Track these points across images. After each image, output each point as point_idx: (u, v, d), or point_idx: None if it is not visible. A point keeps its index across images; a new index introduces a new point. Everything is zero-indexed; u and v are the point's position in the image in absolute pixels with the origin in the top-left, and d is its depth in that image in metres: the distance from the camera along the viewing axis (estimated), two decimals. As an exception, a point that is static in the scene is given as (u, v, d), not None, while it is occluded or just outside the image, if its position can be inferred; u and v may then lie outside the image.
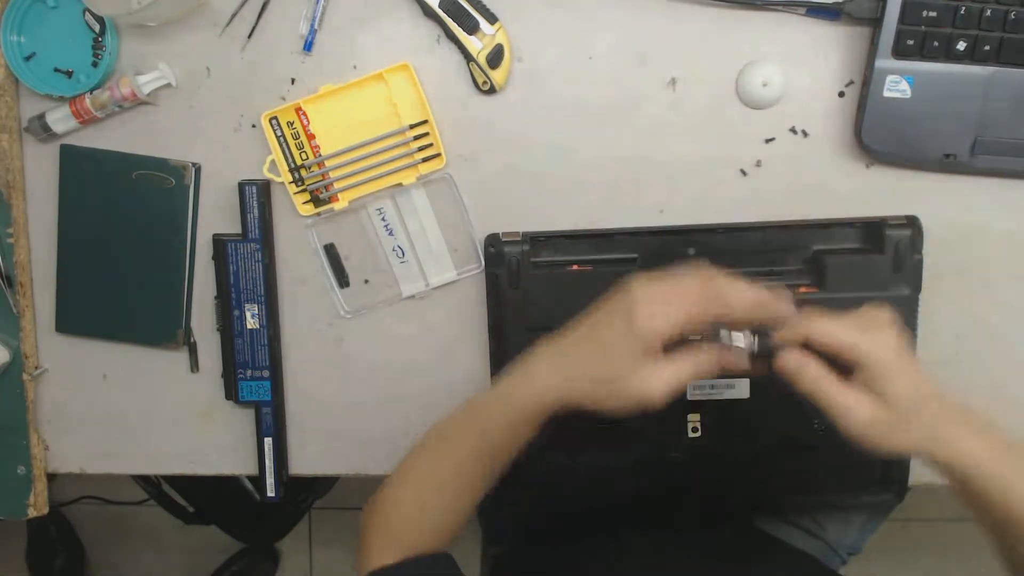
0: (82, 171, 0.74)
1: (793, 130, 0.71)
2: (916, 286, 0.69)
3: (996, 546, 0.56)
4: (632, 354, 0.53)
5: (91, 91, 0.72)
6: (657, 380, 0.53)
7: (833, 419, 0.52)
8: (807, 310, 0.54)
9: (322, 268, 0.75)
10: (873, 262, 0.69)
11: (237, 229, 0.73)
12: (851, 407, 0.52)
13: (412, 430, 0.76)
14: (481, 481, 0.62)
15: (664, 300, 0.53)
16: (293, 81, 0.72)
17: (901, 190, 0.70)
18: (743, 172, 0.71)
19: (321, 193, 0.73)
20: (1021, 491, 0.52)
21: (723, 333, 0.54)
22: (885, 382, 0.51)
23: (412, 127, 0.71)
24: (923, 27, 0.65)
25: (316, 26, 0.71)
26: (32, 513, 0.79)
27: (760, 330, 0.54)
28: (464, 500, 0.63)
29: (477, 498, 0.63)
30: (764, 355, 0.54)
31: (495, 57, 0.69)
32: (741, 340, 0.54)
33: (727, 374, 0.55)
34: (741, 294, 0.53)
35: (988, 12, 0.64)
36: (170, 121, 0.74)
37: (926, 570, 1.56)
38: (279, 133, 0.72)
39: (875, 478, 0.73)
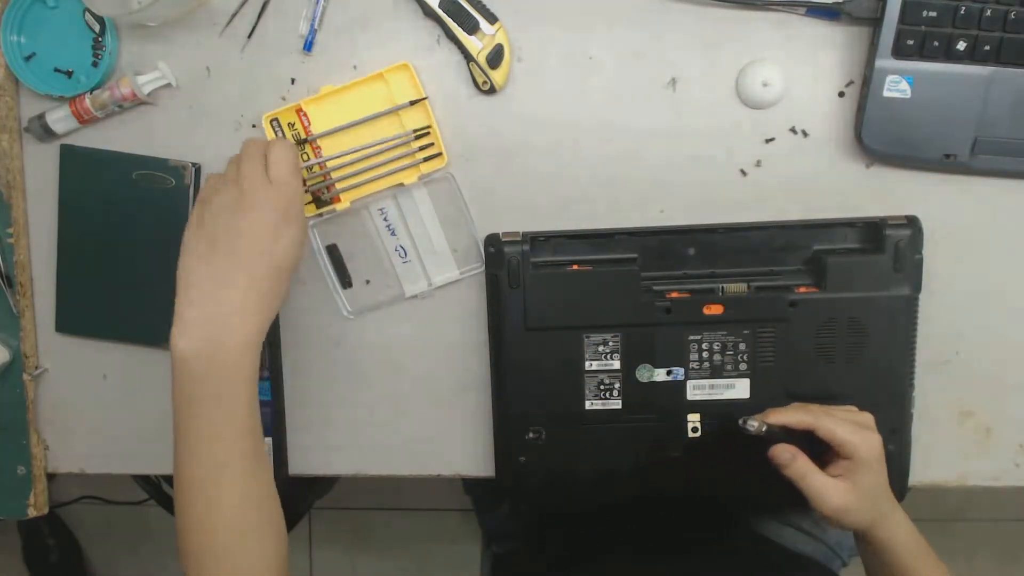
0: (82, 171, 0.74)
1: (793, 130, 0.71)
2: (916, 286, 0.69)
3: None
4: (288, 192, 0.57)
5: (91, 91, 0.72)
6: (284, 186, 0.58)
7: (808, 499, 0.62)
8: (808, 407, 0.64)
9: (323, 268, 0.75)
10: (873, 262, 0.69)
11: (237, 229, 0.73)
12: (829, 493, 0.62)
13: (412, 430, 0.76)
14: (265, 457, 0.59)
15: (234, 163, 0.57)
16: (293, 81, 0.72)
17: (901, 190, 0.70)
18: (743, 172, 0.71)
19: (323, 194, 0.73)
20: (917, 553, 0.66)
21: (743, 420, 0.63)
22: (862, 475, 0.62)
23: (416, 131, 0.71)
24: (923, 27, 0.65)
25: (316, 26, 0.71)
26: (32, 513, 0.79)
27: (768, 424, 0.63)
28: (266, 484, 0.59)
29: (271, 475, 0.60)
30: (769, 435, 0.63)
31: (495, 57, 0.69)
32: (754, 424, 0.62)
33: None
34: None
35: (988, 12, 0.64)
36: (170, 121, 0.74)
37: (926, 570, 1.56)
38: (280, 134, 0.72)
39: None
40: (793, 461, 0.62)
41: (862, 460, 0.62)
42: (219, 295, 0.55)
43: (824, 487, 0.62)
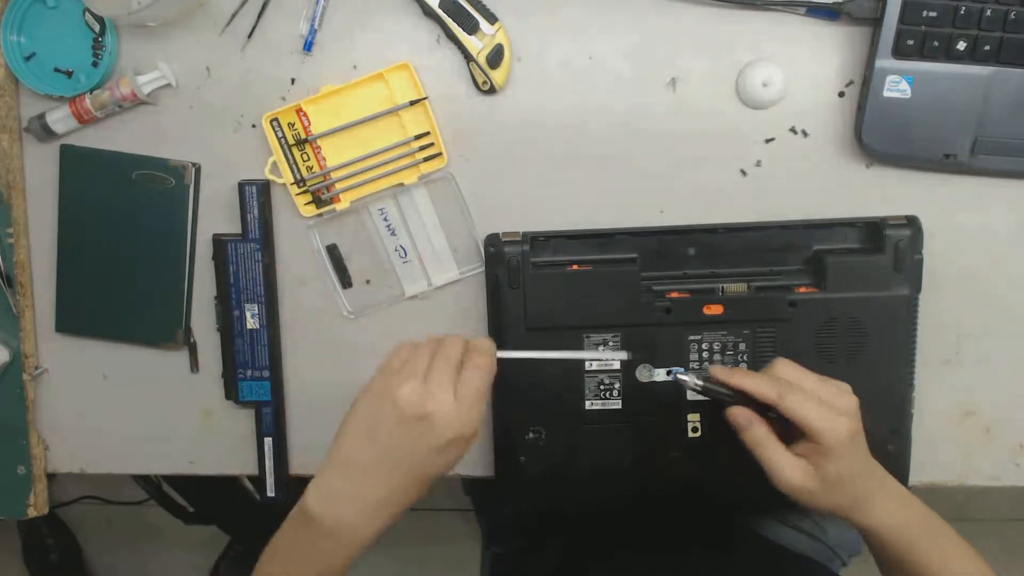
0: (82, 171, 0.74)
1: (793, 130, 0.71)
2: (916, 286, 0.69)
3: None
4: (439, 429, 0.55)
5: (91, 91, 0.72)
6: (471, 421, 0.56)
7: (765, 472, 0.58)
8: (782, 367, 0.59)
9: (323, 268, 0.75)
10: (873, 262, 0.69)
11: (237, 229, 0.73)
12: (784, 469, 0.57)
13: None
14: None
15: (419, 377, 0.55)
16: (293, 81, 0.72)
17: (901, 190, 0.70)
18: (743, 172, 0.71)
19: (323, 194, 0.73)
20: (918, 541, 0.60)
21: (679, 373, 0.60)
22: (826, 460, 0.56)
23: (416, 137, 0.71)
24: (923, 27, 0.65)
25: (316, 26, 0.71)
26: (32, 513, 0.79)
27: (707, 376, 0.60)
28: None
29: None
30: (713, 397, 0.59)
31: (495, 57, 0.69)
32: (691, 378, 0.59)
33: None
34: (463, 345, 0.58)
35: (988, 12, 0.64)
36: (170, 121, 0.74)
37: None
38: (280, 134, 0.72)
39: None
40: (749, 426, 0.58)
41: (827, 447, 0.56)
42: (366, 482, 0.57)
43: (781, 463, 0.57)
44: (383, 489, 0.57)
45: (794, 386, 0.57)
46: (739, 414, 0.58)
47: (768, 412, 0.58)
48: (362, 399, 0.58)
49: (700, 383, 0.59)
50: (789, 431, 0.58)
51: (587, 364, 0.71)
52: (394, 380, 0.56)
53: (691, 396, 0.71)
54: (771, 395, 0.57)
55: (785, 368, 0.59)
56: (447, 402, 0.55)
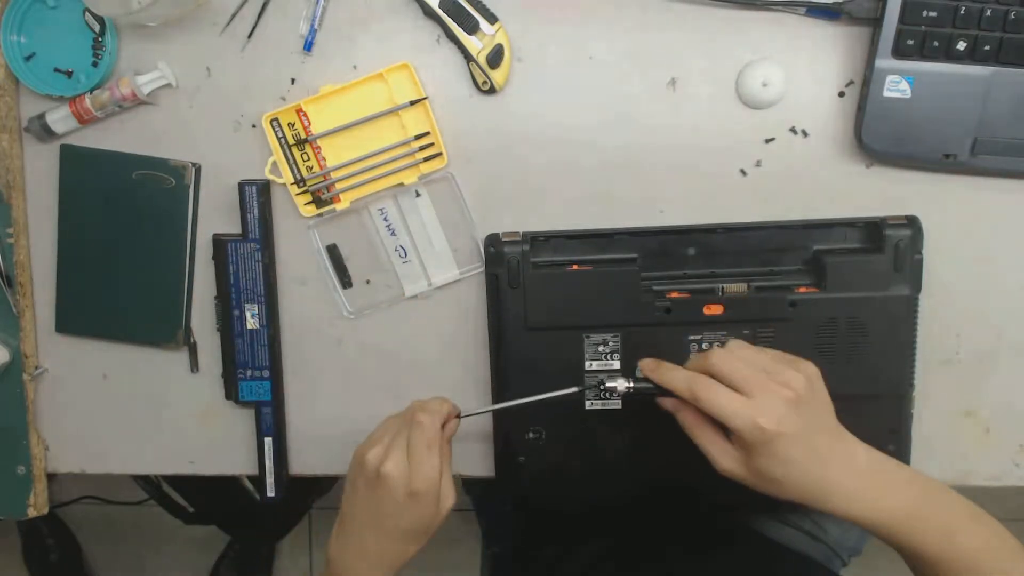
0: (82, 171, 0.74)
1: (793, 130, 0.71)
2: (916, 286, 0.69)
3: None
4: (429, 507, 0.60)
5: (91, 91, 0.72)
6: (448, 494, 0.61)
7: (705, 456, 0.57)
8: (718, 354, 0.56)
9: (323, 268, 0.75)
10: (873, 262, 0.69)
11: (237, 229, 0.73)
12: (717, 458, 0.56)
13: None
14: None
15: (405, 453, 0.60)
16: (293, 81, 0.72)
17: (901, 190, 0.70)
18: (743, 172, 0.71)
19: (323, 194, 0.73)
20: (915, 537, 0.55)
21: (607, 381, 0.61)
22: (752, 455, 0.54)
23: (416, 137, 0.71)
24: (923, 27, 0.65)
25: (316, 26, 0.71)
26: (32, 513, 0.79)
27: (639, 380, 0.60)
28: None
29: None
30: (644, 396, 0.60)
31: (495, 57, 0.69)
32: (620, 383, 0.60)
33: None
34: (438, 416, 0.63)
35: (988, 12, 0.64)
36: (170, 121, 0.74)
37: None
38: (280, 134, 0.72)
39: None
40: (677, 412, 0.57)
41: (748, 444, 0.53)
42: (361, 536, 0.63)
43: (713, 450, 0.56)
44: (373, 543, 0.62)
45: (710, 382, 0.54)
46: (664, 402, 0.59)
47: None
48: (360, 449, 0.63)
49: (630, 386, 0.60)
50: None
51: (587, 364, 0.71)
52: (364, 446, 0.62)
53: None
54: (684, 391, 0.55)
55: (721, 356, 0.55)
56: (400, 461, 0.60)
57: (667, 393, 0.58)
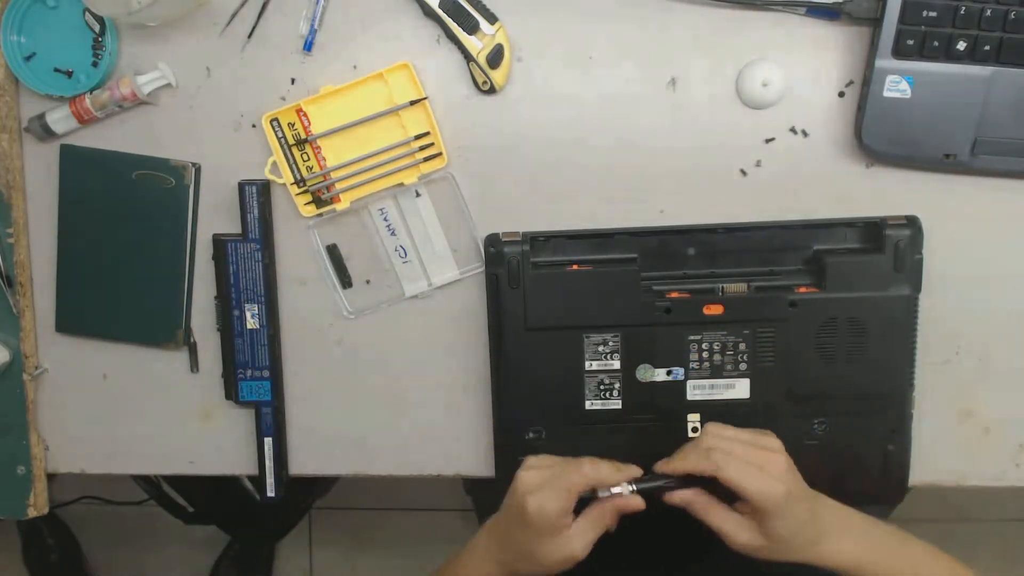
0: (82, 171, 0.74)
1: (793, 130, 0.71)
2: (916, 286, 0.69)
3: None
4: (540, 537, 0.63)
5: (91, 91, 0.72)
6: (572, 546, 0.63)
7: (720, 536, 0.63)
8: (711, 434, 0.63)
9: (323, 268, 0.75)
10: (873, 262, 0.69)
11: (237, 229, 0.73)
12: (732, 532, 0.62)
13: (412, 430, 0.76)
14: None
15: (547, 486, 0.63)
16: (293, 81, 0.72)
17: (901, 190, 0.70)
18: (743, 172, 0.71)
19: (323, 194, 0.73)
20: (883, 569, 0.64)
21: (601, 492, 0.63)
22: (766, 520, 0.60)
23: (416, 137, 0.71)
24: (923, 27, 0.65)
25: (316, 26, 0.71)
26: (32, 513, 0.79)
27: (640, 480, 0.64)
28: None
29: None
30: (649, 492, 0.64)
31: (495, 57, 0.69)
32: (618, 489, 0.63)
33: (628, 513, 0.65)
34: (597, 473, 0.64)
35: (988, 12, 0.64)
36: (170, 121, 0.74)
37: (926, 570, 1.56)
38: (280, 134, 0.72)
39: (875, 478, 0.73)
40: (691, 503, 0.63)
41: (766, 510, 0.60)
42: (501, 536, 0.67)
43: (727, 524, 0.62)
44: (498, 549, 0.67)
45: (729, 454, 0.61)
46: (675, 497, 0.64)
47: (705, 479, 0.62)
48: (521, 474, 0.65)
49: (632, 488, 0.63)
50: (728, 489, 0.62)
51: (587, 364, 0.71)
52: (529, 462, 0.66)
53: (691, 396, 0.71)
54: (710, 469, 0.61)
55: (715, 434, 0.64)
56: (534, 489, 0.63)
57: (677, 484, 0.64)
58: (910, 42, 0.65)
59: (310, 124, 0.72)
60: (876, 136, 0.68)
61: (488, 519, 0.69)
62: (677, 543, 0.81)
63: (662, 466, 0.65)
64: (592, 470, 0.63)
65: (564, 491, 0.62)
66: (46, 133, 0.73)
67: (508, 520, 0.65)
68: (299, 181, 0.73)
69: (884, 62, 0.66)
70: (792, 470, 0.62)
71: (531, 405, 0.72)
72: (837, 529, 0.64)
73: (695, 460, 0.62)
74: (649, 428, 0.72)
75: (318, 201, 0.73)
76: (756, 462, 0.61)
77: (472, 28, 0.69)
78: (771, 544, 0.62)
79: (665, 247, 0.71)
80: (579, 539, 0.63)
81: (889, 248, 0.68)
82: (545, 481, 0.63)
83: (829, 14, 0.68)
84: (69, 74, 0.73)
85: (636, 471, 0.65)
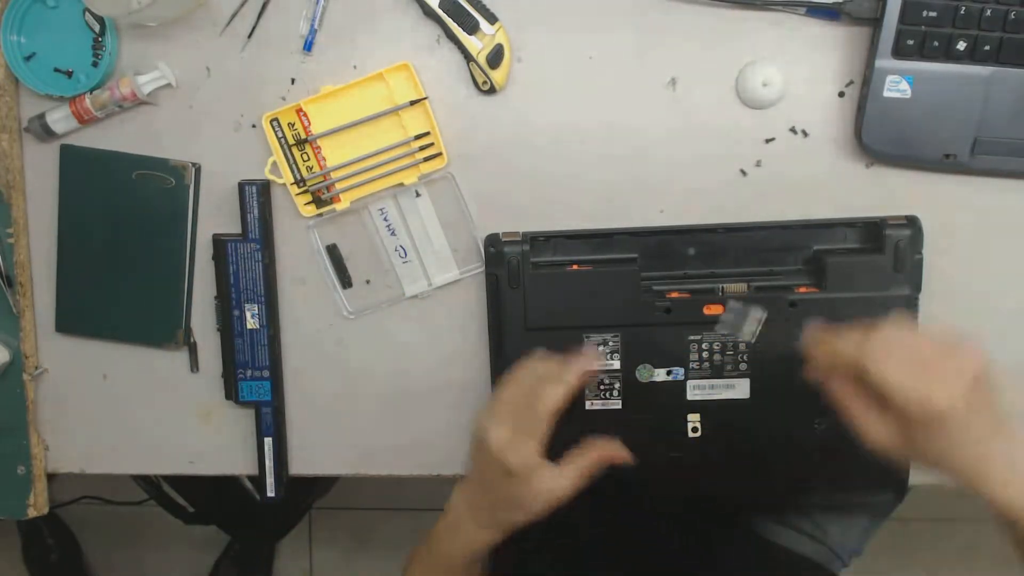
0: (82, 171, 0.74)
1: (793, 130, 0.71)
2: (916, 286, 0.69)
3: None
4: (526, 483, 0.62)
5: (91, 91, 0.72)
6: (559, 484, 0.62)
7: (853, 429, 0.55)
8: (887, 327, 0.54)
9: (323, 268, 0.75)
10: (873, 262, 0.69)
11: (237, 229, 0.73)
12: (867, 430, 0.54)
13: (413, 430, 0.76)
14: None
15: (518, 433, 0.61)
16: (293, 81, 0.72)
17: (901, 190, 0.70)
18: (743, 172, 0.71)
19: (323, 194, 0.73)
20: None
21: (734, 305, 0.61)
22: (917, 434, 0.52)
23: (416, 137, 0.71)
24: (923, 27, 0.65)
25: (316, 26, 0.71)
26: (32, 513, 0.79)
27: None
28: None
29: None
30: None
31: (495, 57, 0.69)
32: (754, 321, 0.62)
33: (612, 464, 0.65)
34: (555, 394, 0.62)
35: (988, 12, 0.64)
36: (170, 121, 0.74)
37: (926, 570, 1.56)
38: (280, 134, 0.72)
39: (875, 478, 0.73)
40: (829, 382, 0.55)
41: (911, 420, 0.51)
42: (476, 492, 0.66)
43: (863, 420, 0.54)
44: (479, 503, 0.66)
45: (887, 352, 0.52)
46: (814, 371, 0.56)
47: None
48: (481, 416, 0.64)
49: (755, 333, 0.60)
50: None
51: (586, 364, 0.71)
52: (483, 411, 0.65)
53: (691, 396, 0.71)
54: (854, 358, 0.53)
55: (894, 332, 0.54)
56: (502, 436, 0.62)
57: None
58: (910, 42, 0.65)
59: (310, 124, 0.72)
60: (876, 136, 0.68)
61: (457, 485, 0.68)
62: (681, 525, 0.81)
63: (809, 334, 0.57)
64: (552, 395, 0.61)
65: (537, 432, 0.61)
66: (46, 133, 0.73)
67: (484, 479, 0.64)
68: (299, 181, 0.73)
69: (884, 62, 0.66)
70: (972, 392, 0.52)
71: None
72: (1016, 477, 0.53)
73: (851, 345, 0.54)
74: (649, 428, 0.72)
75: (318, 201, 0.73)
76: (926, 367, 0.52)
77: (472, 28, 0.69)
78: (910, 454, 0.54)
79: (665, 247, 0.71)
80: (564, 478, 0.63)
81: (889, 248, 0.68)
82: (514, 430, 0.62)
83: (829, 14, 0.68)
84: (69, 74, 0.73)
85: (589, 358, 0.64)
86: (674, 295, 0.70)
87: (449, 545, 0.67)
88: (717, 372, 0.71)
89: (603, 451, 0.64)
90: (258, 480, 0.77)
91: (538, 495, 0.62)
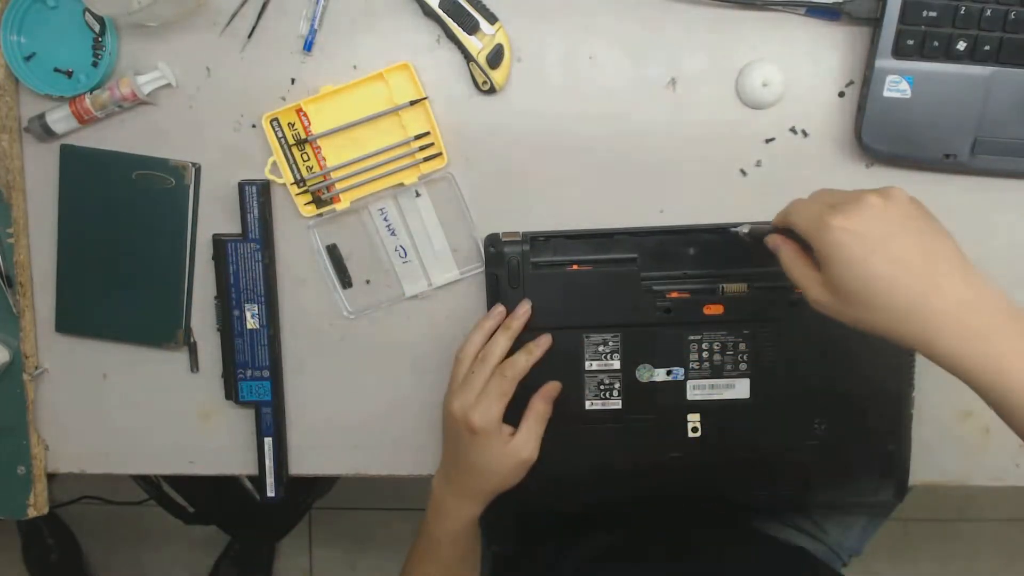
0: (82, 171, 0.74)
1: (793, 130, 0.71)
2: (916, 286, 0.69)
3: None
4: (493, 447, 0.67)
5: (91, 91, 0.72)
6: (524, 445, 0.68)
7: (798, 288, 0.55)
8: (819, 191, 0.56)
9: (323, 268, 0.75)
10: (873, 262, 0.69)
11: (237, 229, 0.73)
12: (806, 286, 0.54)
13: (413, 430, 0.76)
14: None
15: (481, 398, 0.67)
16: (293, 81, 0.72)
17: (901, 190, 0.70)
18: (743, 172, 0.71)
19: (323, 194, 0.73)
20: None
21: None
22: (831, 269, 0.50)
23: (416, 137, 0.71)
24: (923, 27, 0.65)
25: (316, 26, 0.71)
26: (32, 513, 0.79)
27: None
28: None
29: None
30: (759, 240, 0.59)
31: (495, 57, 0.69)
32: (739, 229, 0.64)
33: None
34: (514, 369, 0.68)
35: (988, 12, 0.64)
36: (170, 121, 0.74)
37: (926, 570, 1.56)
38: (280, 134, 0.72)
39: (875, 478, 0.73)
40: (778, 250, 0.56)
41: (822, 255, 0.51)
42: (452, 466, 0.71)
43: (804, 278, 0.54)
44: (456, 475, 0.70)
45: (802, 200, 0.55)
46: (770, 240, 0.58)
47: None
48: (449, 394, 0.70)
49: (747, 229, 0.63)
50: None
51: (587, 364, 0.71)
52: (450, 392, 0.69)
53: (691, 396, 0.71)
54: (780, 216, 0.56)
55: (820, 189, 0.56)
56: (466, 401, 0.67)
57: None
58: (910, 42, 0.65)
59: (310, 124, 0.72)
60: (876, 136, 0.68)
61: (436, 474, 0.72)
62: (681, 525, 0.81)
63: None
64: (511, 370, 0.67)
65: (497, 396, 0.66)
66: (46, 133, 0.73)
67: (456, 450, 0.69)
68: (299, 181, 0.73)
69: (884, 62, 0.66)
70: (884, 213, 0.49)
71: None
72: (953, 310, 0.47)
73: (783, 210, 0.56)
74: (649, 428, 0.72)
75: (318, 201, 0.73)
76: (830, 200, 0.52)
77: (472, 28, 0.69)
78: (834, 301, 0.51)
79: (665, 247, 0.71)
80: (525, 437, 0.68)
81: (889, 248, 0.68)
82: (476, 397, 0.67)
83: (829, 14, 0.68)
84: (69, 74, 0.73)
85: (545, 342, 0.70)
86: (674, 295, 0.70)
87: (435, 526, 0.71)
88: (717, 372, 0.71)
89: (541, 396, 0.69)
90: (258, 480, 0.77)
91: (504, 455, 0.67)
